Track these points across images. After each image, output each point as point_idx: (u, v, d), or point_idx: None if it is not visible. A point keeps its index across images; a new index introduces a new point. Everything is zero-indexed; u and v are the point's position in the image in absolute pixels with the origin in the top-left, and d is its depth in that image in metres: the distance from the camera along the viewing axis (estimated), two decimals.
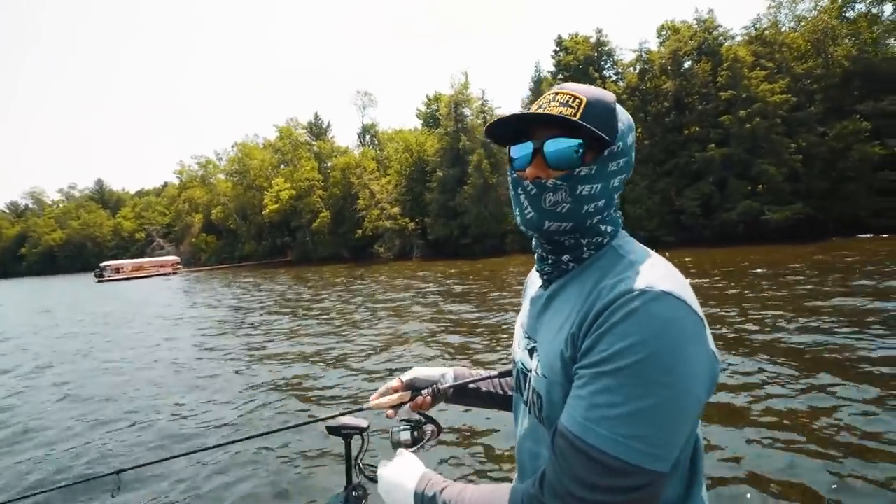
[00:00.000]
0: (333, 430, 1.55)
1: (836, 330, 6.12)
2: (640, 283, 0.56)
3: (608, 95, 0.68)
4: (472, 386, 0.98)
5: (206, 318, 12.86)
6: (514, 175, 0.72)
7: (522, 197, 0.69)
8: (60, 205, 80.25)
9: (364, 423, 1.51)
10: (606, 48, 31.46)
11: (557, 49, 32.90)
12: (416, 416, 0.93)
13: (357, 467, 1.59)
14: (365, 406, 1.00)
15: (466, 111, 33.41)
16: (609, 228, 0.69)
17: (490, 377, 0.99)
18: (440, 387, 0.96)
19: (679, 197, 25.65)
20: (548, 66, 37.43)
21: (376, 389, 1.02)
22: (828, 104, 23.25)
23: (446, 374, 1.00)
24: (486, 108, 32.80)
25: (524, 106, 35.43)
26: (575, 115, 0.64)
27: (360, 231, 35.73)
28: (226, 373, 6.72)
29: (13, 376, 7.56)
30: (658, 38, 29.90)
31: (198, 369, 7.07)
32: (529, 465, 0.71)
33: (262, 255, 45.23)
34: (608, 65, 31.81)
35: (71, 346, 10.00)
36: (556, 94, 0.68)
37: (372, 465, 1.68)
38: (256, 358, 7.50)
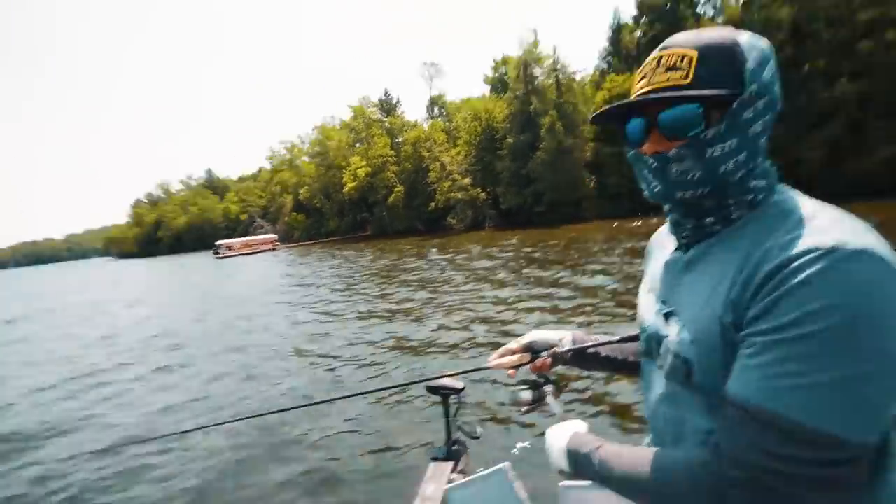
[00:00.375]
0: (433, 390, 1.69)
1: None
2: (824, 240, 0.49)
3: (725, 35, 0.59)
4: (591, 350, 0.98)
5: (325, 285, 14.42)
6: (633, 152, 0.68)
7: (646, 171, 0.66)
8: (181, 193, 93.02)
9: (460, 385, 1.62)
10: None
11: None
12: (534, 378, 0.96)
13: (455, 424, 1.72)
14: (485, 365, 1.02)
15: (537, 71, 31.54)
16: (759, 183, 0.61)
17: (611, 342, 0.97)
18: (559, 350, 0.97)
19: (797, 146, 21.96)
20: (629, 10, 33.55)
21: (472, 351, 1.08)
22: None
23: (565, 337, 1.00)
24: (558, 67, 30.64)
25: (602, 58, 32.47)
26: (686, 77, 0.58)
27: (432, 204, 36.38)
28: (352, 333, 7.77)
29: (242, 331, 9.07)
30: None
31: (328, 330, 8.18)
32: (668, 430, 0.68)
33: (344, 230, 48.35)
34: None
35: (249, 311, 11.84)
36: (661, 56, 0.62)
37: (468, 422, 1.80)
38: (369, 321, 8.45)
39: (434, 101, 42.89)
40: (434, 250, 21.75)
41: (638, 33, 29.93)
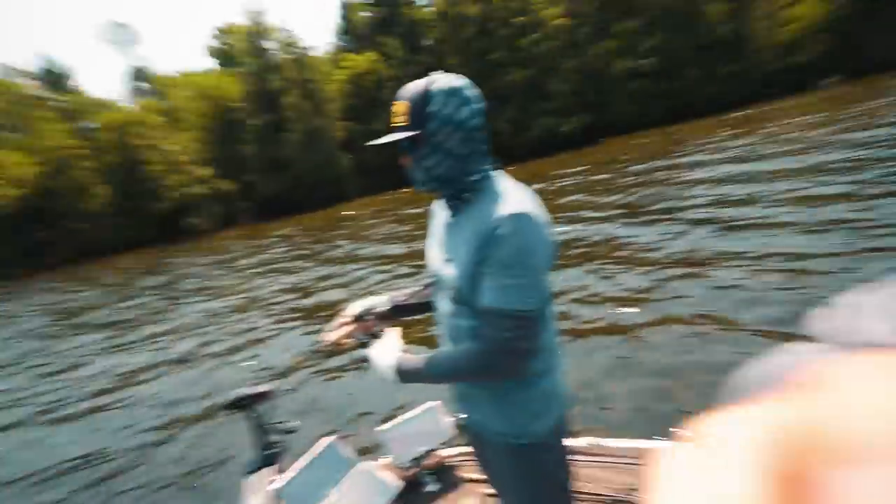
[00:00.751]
0: (235, 405, 1.57)
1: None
2: (510, 209, 0.88)
3: (422, 85, 0.92)
4: (404, 302, 1.23)
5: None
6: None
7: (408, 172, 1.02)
8: None
9: (268, 387, 1.60)
10: None
11: None
12: (365, 339, 1.15)
13: (266, 429, 1.64)
14: (321, 343, 1.32)
15: (270, 44, 29.02)
16: (476, 176, 0.96)
17: (416, 291, 1.23)
18: (380, 310, 1.19)
19: (493, 120, 28.15)
20: None
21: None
22: (596, 26, 27.96)
23: (383, 298, 1.24)
24: (291, 41, 29.02)
25: (336, 36, 32.75)
26: (405, 121, 0.92)
27: (160, 204, 28.91)
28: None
29: None
30: None
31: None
32: (451, 333, 1.02)
33: (7, 262, 32.68)
34: None
35: None
36: (395, 105, 0.95)
37: (285, 420, 1.75)
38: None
39: (138, 74, 33.47)
40: (174, 262, 17.24)
41: (367, 15, 31.54)
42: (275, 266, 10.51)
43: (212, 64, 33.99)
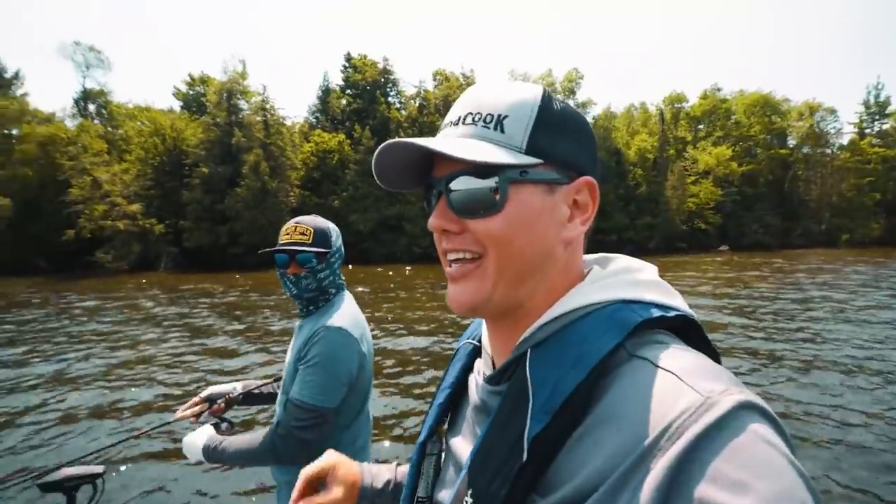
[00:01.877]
0: (52, 486, 1.25)
1: None
2: (329, 321, 1.22)
3: (321, 220, 1.37)
4: (255, 391, 1.46)
5: None
6: (280, 272, 1.36)
7: (286, 282, 1.35)
8: None
9: (98, 469, 1.34)
10: (392, 76, 33.92)
11: (346, 65, 33.32)
12: (216, 420, 1.31)
13: None
14: (171, 419, 1.40)
15: (243, 104, 29.47)
16: (329, 294, 1.35)
17: (266, 383, 1.50)
18: (232, 396, 1.39)
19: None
20: (336, 79, 37.31)
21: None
22: None
23: (237, 386, 1.44)
24: (267, 107, 29.77)
25: (311, 113, 34.12)
26: (309, 239, 1.30)
27: (71, 231, 25.98)
28: None
29: None
30: (434, 80, 34.38)
31: None
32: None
33: None
34: (393, 92, 34.33)
35: None
36: (296, 226, 1.34)
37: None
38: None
39: (89, 96, 31.82)
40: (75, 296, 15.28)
41: (343, 102, 33.54)
42: (172, 322, 9.82)
43: (175, 106, 33.44)
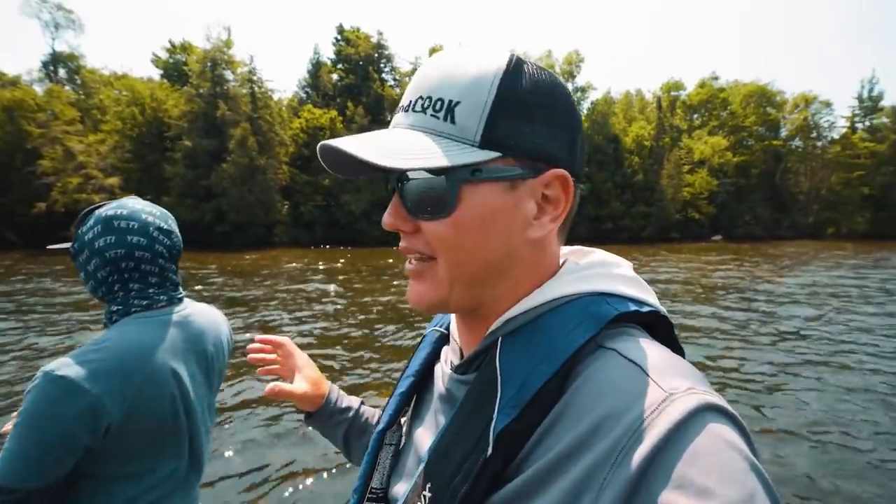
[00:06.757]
0: None
1: None
2: (55, 363, 0.85)
3: (94, 207, 1.02)
4: None
5: None
6: None
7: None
8: None
9: None
10: (387, 52, 32.53)
11: (339, 38, 31.76)
12: None
13: None
14: None
15: (228, 74, 27.83)
16: (113, 307, 1.01)
17: None
18: None
19: None
20: (328, 53, 35.57)
21: None
22: None
23: None
24: (255, 78, 28.19)
25: (301, 87, 32.57)
26: (73, 233, 1.01)
27: (42, 205, 24.43)
28: None
29: None
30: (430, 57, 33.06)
31: None
32: None
33: None
34: (387, 68, 32.98)
35: None
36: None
37: None
38: None
39: (59, 59, 29.58)
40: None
41: (335, 77, 32.05)
42: None
43: (154, 75, 31.45)
